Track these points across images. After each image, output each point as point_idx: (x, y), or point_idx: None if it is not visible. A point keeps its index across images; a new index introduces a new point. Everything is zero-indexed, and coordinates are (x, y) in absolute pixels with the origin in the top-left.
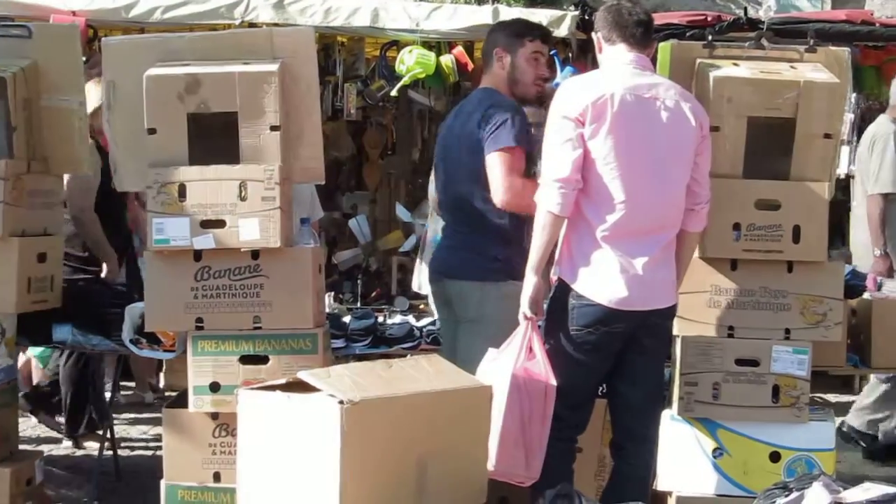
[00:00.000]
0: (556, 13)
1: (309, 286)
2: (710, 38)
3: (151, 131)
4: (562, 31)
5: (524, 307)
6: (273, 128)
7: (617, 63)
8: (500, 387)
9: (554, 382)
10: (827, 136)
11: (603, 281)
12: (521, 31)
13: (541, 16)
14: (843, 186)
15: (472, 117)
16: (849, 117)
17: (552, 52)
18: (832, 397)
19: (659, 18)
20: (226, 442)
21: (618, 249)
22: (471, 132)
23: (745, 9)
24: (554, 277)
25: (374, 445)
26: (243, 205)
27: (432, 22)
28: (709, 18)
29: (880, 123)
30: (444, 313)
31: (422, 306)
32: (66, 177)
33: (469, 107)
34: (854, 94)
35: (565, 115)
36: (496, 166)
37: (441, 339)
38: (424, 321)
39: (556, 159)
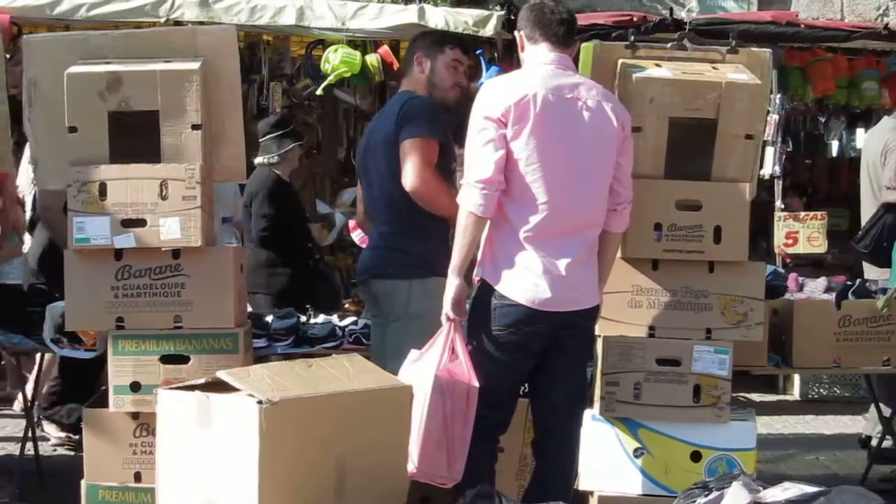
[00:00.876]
0: (482, 13)
1: (230, 285)
2: (632, 38)
3: (72, 129)
4: (488, 31)
5: (447, 308)
6: (194, 126)
7: (539, 63)
8: (422, 388)
9: (476, 384)
10: (748, 136)
11: (525, 282)
12: (441, 39)
13: (467, 15)
14: (768, 187)
15: (390, 118)
16: (774, 118)
17: (478, 52)
18: (756, 397)
19: (585, 19)
20: (147, 442)
21: (540, 250)
22: (389, 131)
23: (671, 9)
24: (476, 278)
25: (293, 445)
26: (164, 204)
27: (358, 21)
28: (634, 19)
29: (891, 129)
30: (373, 313)
31: (346, 305)
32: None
33: (388, 109)
34: (779, 95)
35: (487, 115)
36: (409, 153)
37: (371, 339)
38: (347, 321)
39: (479, 160)
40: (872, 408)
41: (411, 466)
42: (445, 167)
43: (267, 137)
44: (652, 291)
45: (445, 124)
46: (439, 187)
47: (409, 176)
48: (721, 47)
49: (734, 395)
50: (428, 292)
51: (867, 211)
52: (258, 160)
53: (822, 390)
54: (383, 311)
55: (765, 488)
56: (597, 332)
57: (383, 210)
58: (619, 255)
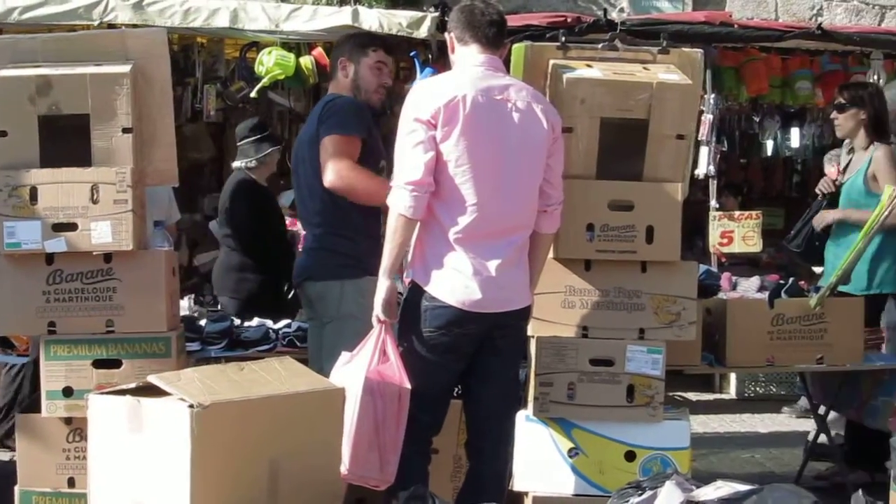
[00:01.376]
0: (416, 14)
1: (162, 289)
2: (563, 39)
3: (2, 133)
4: (421, 33)
5: (377, 310)
6: (125, 130)
7: (469, 64)
8: (353, 390)
9: (408, 385)
10: (680, 136)
11: (456, 283)
12: (364, 41)
13: (400, 17)
14: (703, 186)
15: (314, 119)
16: (708, 118)
17: (412, 54)
18: (693, 395)
19: (519, 20)
20: (80, 447)
21: (471, 251)
22: (312, 131)
23: (605, 10)
24: (407, 280)
25: (224, 449)
26: (95, 208)
27: (292, 23)
28: (569, 20)
29: None
30: (308, 316)
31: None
32: None
33: (314, 111)
34: (713, 95)
35: (417, 117)
36: (326, 149)
37: (308, 341)
38: (281, 324)
39: (408, 162)
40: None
41: (343, 469)
42: (371, 165)
43: (245, 142)
44: (585, 292)
45: (370, 123)
46: (356, 176)
47: (327, 173)
48: (652, 48)
49: (670, 394)
50: (360, 292)
51: None
52: (235, 164)
53: (758, 389)
54: (318, 312)
55: (698, 487)
56: (530, 333)
57: (312, 211)
58: (551, 255)
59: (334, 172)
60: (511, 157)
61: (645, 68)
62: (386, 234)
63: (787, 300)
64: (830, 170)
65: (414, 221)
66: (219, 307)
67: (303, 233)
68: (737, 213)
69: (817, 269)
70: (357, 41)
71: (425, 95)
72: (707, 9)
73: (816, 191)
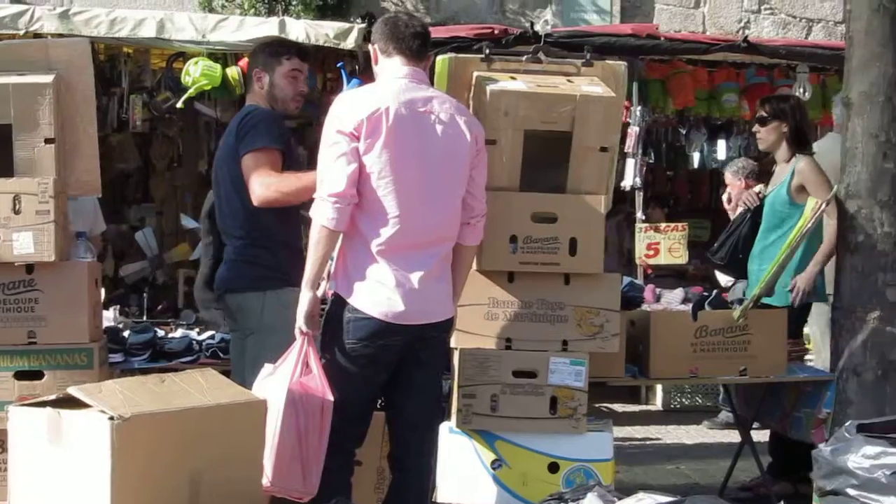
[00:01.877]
0: (343, 25)
1: (84, 300)
2: (487, 51)
3: None
4: (349, 44)
5: (300, 322)
6: (47, 140)
7: (392, 76)
8: (275, 402)
9: (331, 397)
10: (603, 149)
11: (378, 295)
12: (277, 50)
13: (327, 28)
14: (631, 199)
15: (231, 132)
16: (634, 130)
17: (339, 65)
18: (619, 407)
19: (446, 31)
20: (1, 459)
21: (393, 263)
22: (230, 144)
23: (532, 23)
24: (330, 291)
25: (145, 461)
26: (17, 218)
27: (219, 34)
28: (496, 32)
29: None
30: (231, 328)
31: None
32: None
33: (231, 124)
34: (640, 108)
35: (339, 129)
36: (249, 167)
37: (230, 353)
38: (205, 335)
39: (331, 174)
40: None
41: (266, 481)
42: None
43: None
44: (508, 304)
45: (287, 133)
46: (283, 184)
47: (254, 192)
48: (576, 60)
49: (596, 405)
50: (282, 303)
51: None
52: None
53: (684, 400)
54: (240, 324)
55: (620, 499)
56: (453, 345)
57: (232, 223)
58: (475, 267)
59: (262, 187)
60: (434, 169)
61: (569, 81)
62: (308, 246)
63: (711, 312)
64: (734, 182)
65: (336, 233)
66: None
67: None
68: (663, 224)
69: (723, 280)
70: (270, 50)
71: (348, 107)
72: (634, 21)
73: (740, 204)
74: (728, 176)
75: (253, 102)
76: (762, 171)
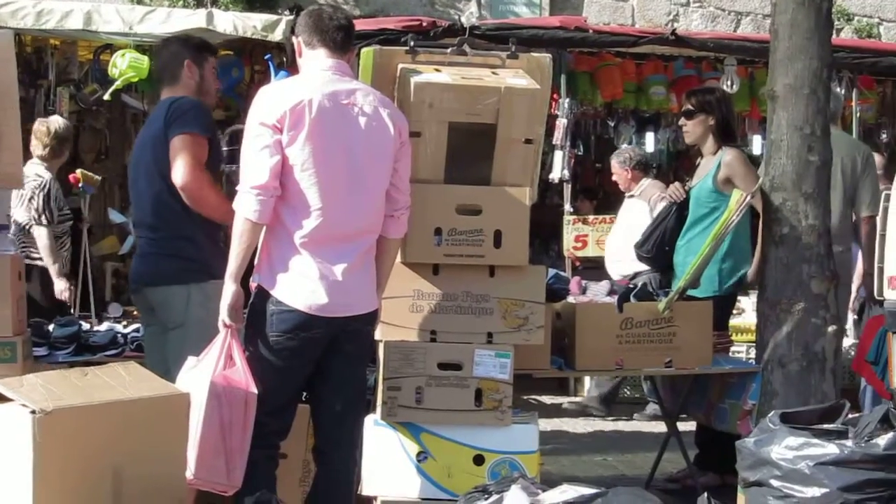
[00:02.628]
0: (271, 17)
1: (8, 294)
2: (411, 43)
3: None
4: (276, 36)
5: (223, 314)
6: None
7: (316, 68)
8: (198, 395)
9: (255, 390)
10: (528, 141)
11: (302, 287)
12: (204, 46)
13: (255, 20)
14: (559, 191)
15: (158, 119)
16: (563, 122)
17: (267, 57)
18: (548, 399)
19: (374, 23)
20: None
21: (317, 256)
22: (157, 129)
23: (460, 16)
24: (253, 284)
25: (68, 455)
26: None
27: (146, 25)
28: (424, 24)
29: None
30: (148, 322)
31: (136, 312)
32: None
33: (156, 113)
34: (568, 100)
35: (263, 121)
36: (179, 150)
37: (145, 348)
38: (130, 328)
39: (254, 166)
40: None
41: (189, 474)
42: (214, 167)
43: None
44: (433, 296)
45: (215, 126)
46: (210, 188)
47: (180, 172)
48: (501, 52)
49: (524, 397)
50: (207, 296)
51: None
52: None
53: None
54: (161, 318)
55: (544, 491)
56: (378, 337)
57: (153, 214)
58: (400, 259)
59: (190, 174)
60: (357, 161)
61: (494, 73)
62: (231, 238)
63: (636, 304)
64: (621, 171)
65: (259, 225)
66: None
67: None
68: (591, 217)
69: (607, 271)
70: (197, 45)
71: (271, 99)
72: (564, 14)
73: (666, 195)
74: (614, 165)
75: (174, 94)
76: (648, 161)
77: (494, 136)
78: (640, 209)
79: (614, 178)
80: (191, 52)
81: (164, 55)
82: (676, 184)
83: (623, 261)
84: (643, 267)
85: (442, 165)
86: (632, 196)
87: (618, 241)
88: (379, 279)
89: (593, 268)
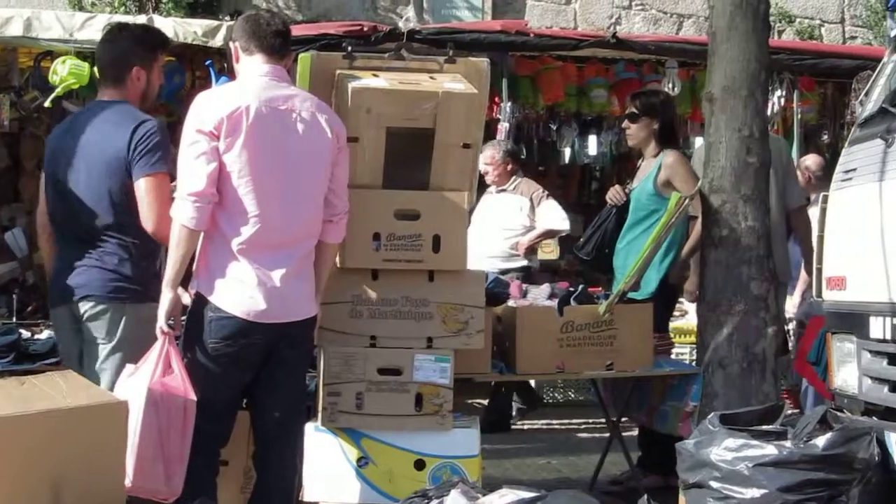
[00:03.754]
0: (212, 23)
1: None
2: (349, 48)
3: None
4: (217, 42)
5: (161, 322)
6: None
7: (254, 74)
8: (136, 402)
9: (193, 397)
10: (466, 145)
11: (240, 294)
12: (156, 43)
13: (196, 26)
14: None
15: (117, 136)
16: (504, 126)
17: (207, 63)
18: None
19: (315, 28)
20: None
21: (255, 262)
22: (117, 151)
23: (407, 19)
24: (192, 291)
25: (4, 465)
26: None
27: (87, 32)
28: (365, 29)
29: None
30: (69, 337)
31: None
32: None
33: (108, 124)
34: (509, 104)
35: (199, 128)
36: (150, 192)
37: (62, 359)
38: None
39: (191, 173)
40: None
41: (128, 482)
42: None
43: None
44: (372, 301)
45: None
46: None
47: (152, 218)
48: (439, 57)
49: (468, 401)
50: (141, 318)
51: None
52: None
53: (556, 395)
54: (86, 333)
55: (484, 495)
56: (317, 343)
57: (89, 228)
58: (339, 265)
59: (160, 218)
60: (295, 167)
61: (431, 78)
62: (169, 246)
63: (577, 307)
64: (500, 164)
65: (197, 233)
66: None
67: None
68: None
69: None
70: (149, 43)
71: (208, 106)
72: (506, 18)
73: (607, 199)
74: (494, 156)
75: (121, 98)
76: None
77: (432, 140)
78: (516, 205)
79: (485, 167)
80: (141, 56)
81: (112, 50)
82: (617, 187)
83: (499, 256)
84: (520, 263)
85: (380, 170)
86: (503, 191)
87: (494, 237)
88: (317, 284)
89: (541, 271)
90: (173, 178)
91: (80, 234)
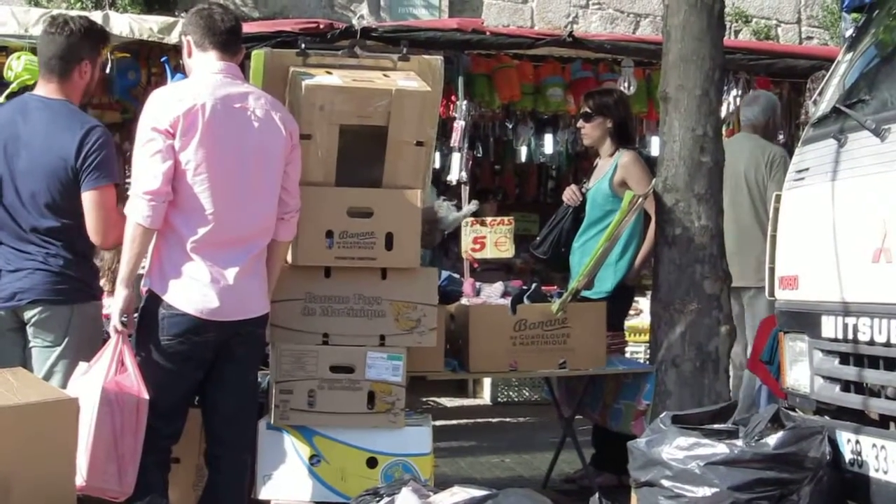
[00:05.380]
0: (168, 19)
1: None
2: (302, 45)
3: None
4: (173, 38)
5: (114, 320)
6: None
7: (208, 71)
8: (89, 400)
9: (146, 395)
10: (419, 143)
11: (193, 291)
12: (101, 38)
13: (151, 22)
14: (458, 193)
15: (62, 138)
16: (460, 124)
17: (163, 59)
18: (447, 401)
19: (271, 26)
20: None
21: (208, 260)
22: (64, 157)
23: (361, 17)
24: (144, 289)
25: None
26: None
27: (41, 27)
28: (321, 26)
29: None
30: (11, 341)
31: None
32: None
33: (54, 126)
34: (465, 102)
35: (155, 126)
36: (98, 205)
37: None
38: None
39: (146, 172)
40: None
41: (80, 480)
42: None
43: None
44: (325, 299)
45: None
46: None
47: (100, 231)
48: (392, 55)
49: (424, 399)
50: (88, 318)
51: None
52: None
53: (511, 393)
54: (31, 337)
55: (435, 493)
56: (270, 341)
57: (31, 229)
58: (291, 262)
59: (109, 230)
60: (249, 165)
61: (385, 75)
62: (123, 244)
63: (530, 305)
64: None
65: (151, 231)
66: None
67: None
68: (489, 218)
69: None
70: (96, 37)
71: (163, 104)
72: (463, 16)
73: (563, 199)
74: None
75: (62, 95)
76: None
77: (386, 138)
78: None
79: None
80: (89, 50)
81: (59, 43)
82: (573, 187)
83: None
84: None
85: (333, 168)
86: None
87: None
88: (269, 282)
89: (492, 269)
90: (118, 186)
91: (21, 234)
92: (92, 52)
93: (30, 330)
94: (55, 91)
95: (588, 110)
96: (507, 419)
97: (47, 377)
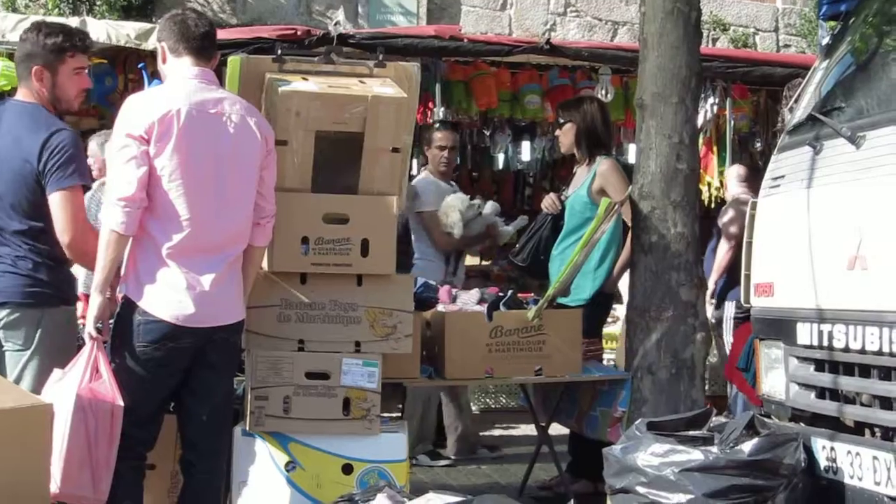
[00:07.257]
0: (145, 26)
1: None
2: (279, 51)
3: None
4: (150, 44)
5: (90, 326)
6: None
7: (183, 77)
8: (64, 407)
9: (121, 402)
10: (395, 150)
11: (169, 298)
12: (61, 45)
13: (129, 28)
14: None
15: (27, 141)
16: None
17: (140, 66)
18: None
19: (249, 32)
20: None
21: (184, 266)
22: (27, 160)
23: (337, 23)
24: (120, 295)
25: None
26: None
27: (18, 34)
28: (298, 33)
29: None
30: None
31: None
32: None
33: (21, 128)
34: (443, 109)
35: (130, 132)
36: (63, 207)
37: None
38: None
39: (121, 178)
40: None
41: (54, 487)
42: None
43: None
44: (300, 305)
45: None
46: (94, 241)
47: (67, 232)
48: (369, 61)
49: (399, 406)
50: (58, 322)
51: None
52: None
53: (488, 400)
54: (8, 340)
55: (410, 500)
56: (245, 347)
57: (11, 234)
58: (267, 268)
59: (75, 231)
60: (225, 171)
61: (361, 82)
62: (98, 251)
63: (506, 312)
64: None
65: (126, 237)
66: None
67: None
68: None
69: None
70: (54, 44)
71: (138, 110)
72: (441, 23)
73: (542, 207)
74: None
75: (32, 99)
76: None
77: (362, 144)
78: None
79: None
80: (43, 56)
81: (21, 48)
82: (552, 195)
83: None
84: None
85: (309, 174)
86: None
87: None
88: (245, 288)
89: (471, 276)
90: (87, 189)
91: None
92: (49, 58)
93: (0, 333)
94: (27, 95)
95: (560, 119)
96: (485, 425)
97: (17, 380)
